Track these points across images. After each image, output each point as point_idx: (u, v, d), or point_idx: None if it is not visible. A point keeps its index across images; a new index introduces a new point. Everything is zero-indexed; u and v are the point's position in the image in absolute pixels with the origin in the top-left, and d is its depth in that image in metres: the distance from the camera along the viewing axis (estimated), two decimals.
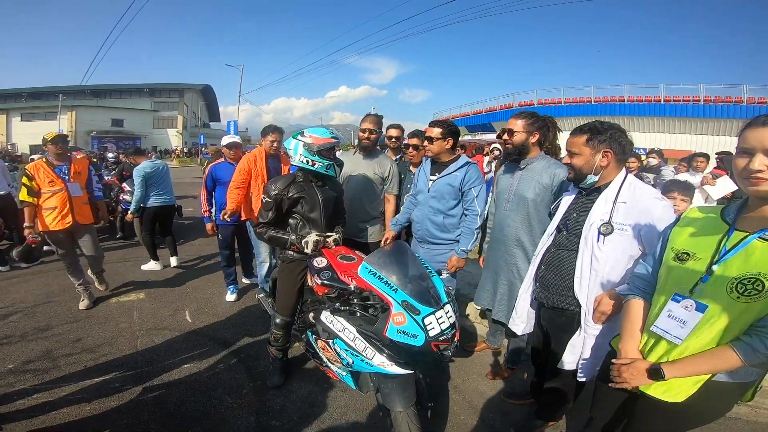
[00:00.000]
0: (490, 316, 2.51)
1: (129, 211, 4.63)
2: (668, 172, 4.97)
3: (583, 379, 1.70)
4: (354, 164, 2.91)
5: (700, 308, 1.08)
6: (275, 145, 3.36)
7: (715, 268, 1.07)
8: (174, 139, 40.37)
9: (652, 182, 5.46)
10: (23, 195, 3.18)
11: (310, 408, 2.22)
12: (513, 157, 2.25)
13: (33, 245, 3.26)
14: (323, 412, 2.20)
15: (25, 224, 3.20)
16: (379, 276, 1.74)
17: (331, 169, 2.22)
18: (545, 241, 1.87)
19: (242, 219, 3.54)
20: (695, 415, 1.21)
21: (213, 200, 3.80)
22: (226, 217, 3.28)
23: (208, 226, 3.79)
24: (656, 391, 1.16)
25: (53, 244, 3.40)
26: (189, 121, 43.95)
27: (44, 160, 3.34)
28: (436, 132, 2.48)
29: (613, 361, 1.27)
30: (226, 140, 3.81)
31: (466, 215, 2.52)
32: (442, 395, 2.38)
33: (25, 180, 3.22)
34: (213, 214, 3.79)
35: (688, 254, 1.15)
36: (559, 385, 1.90)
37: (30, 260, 3.47)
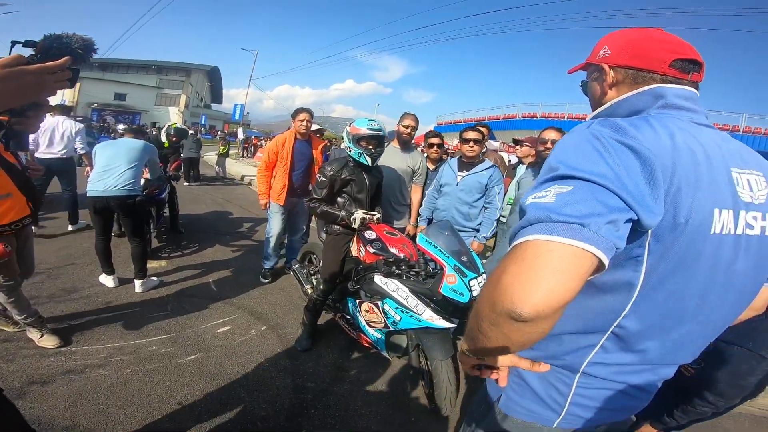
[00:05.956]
0: None
1: None
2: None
3: None
4: (391, 155, 3.14)
5: None
6: (305, 124, 3.50)
7: None
8: (174, 117, 40.02)
9: None
10: None
11: (339, 372, 2.42)
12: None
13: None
14: (351, 374, 2.40)
15: None
16: (434, 245, 2.07)
17: (362, 157, 2.43)
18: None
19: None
20: None
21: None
22: (261, 204, 3.69)
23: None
24: None
25: None
26: (192, 100, 43.64)
27: None
28: (479, 135, 2.81)
29: None
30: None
31: (487, 208, 2.86)
32: None
33: None
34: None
35: None
36: None
37: None
